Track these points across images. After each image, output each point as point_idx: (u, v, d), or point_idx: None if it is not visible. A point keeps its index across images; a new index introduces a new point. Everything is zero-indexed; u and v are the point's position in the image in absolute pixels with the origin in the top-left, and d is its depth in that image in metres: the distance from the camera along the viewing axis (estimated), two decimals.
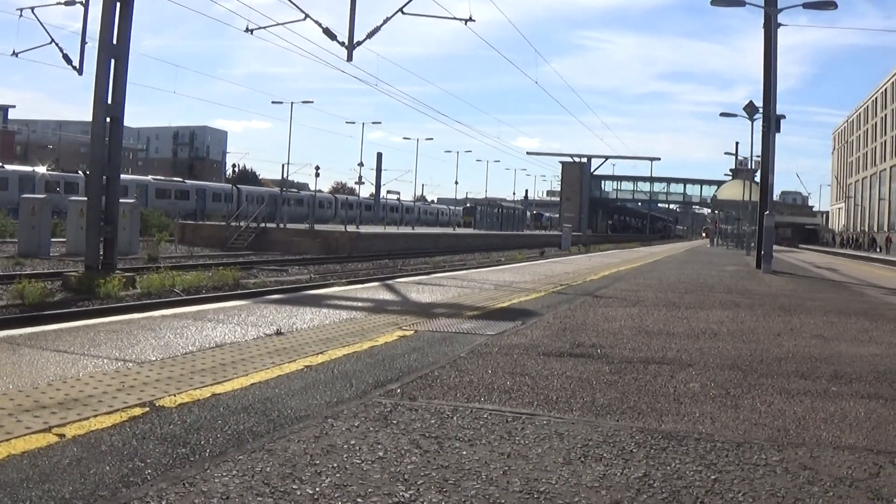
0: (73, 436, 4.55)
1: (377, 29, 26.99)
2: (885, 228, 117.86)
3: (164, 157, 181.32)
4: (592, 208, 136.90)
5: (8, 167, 69.10)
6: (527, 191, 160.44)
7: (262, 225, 52.57)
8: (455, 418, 5.28)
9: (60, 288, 21.12)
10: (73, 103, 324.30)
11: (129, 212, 31.80)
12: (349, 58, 26.85)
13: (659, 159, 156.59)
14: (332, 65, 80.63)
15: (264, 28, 28.85)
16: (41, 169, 69.57)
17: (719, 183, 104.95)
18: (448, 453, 4.51)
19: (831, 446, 4.95)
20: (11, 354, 6.80)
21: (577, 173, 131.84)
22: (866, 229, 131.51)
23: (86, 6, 25.03)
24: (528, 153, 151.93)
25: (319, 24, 26.82)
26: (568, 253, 57.91)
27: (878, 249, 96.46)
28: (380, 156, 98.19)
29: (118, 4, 21.49)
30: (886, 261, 59.39)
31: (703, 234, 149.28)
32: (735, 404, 6.06)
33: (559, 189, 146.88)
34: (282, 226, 54.86)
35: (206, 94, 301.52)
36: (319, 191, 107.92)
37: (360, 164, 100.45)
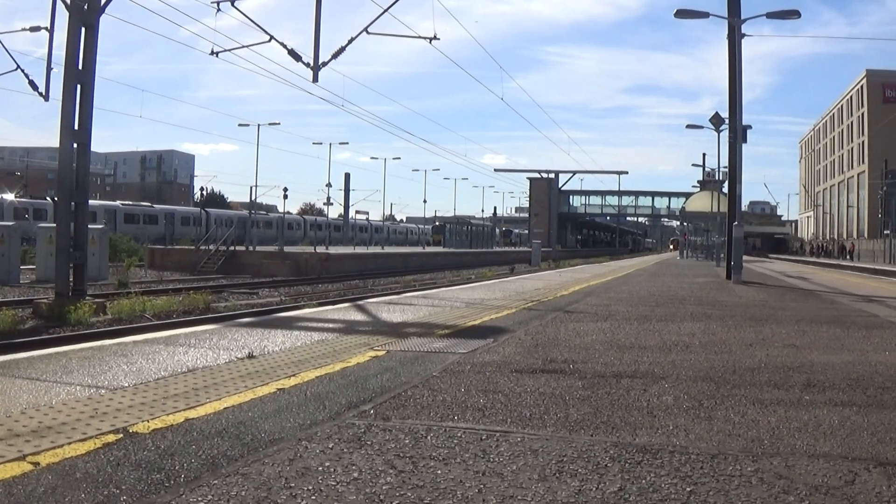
0: (47, 464, 4.52)
1: (342, 49, 26.95)
2: (855, 235, 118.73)
3: (132, 182, 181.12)
4: (561, 223, 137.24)
5: None
6: (495, 208, 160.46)
7: (232, 248, 52.48)
8: (429, 437, 5.28)
9: (31, 315, 21.05)
10: (40, 129, 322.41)
11: (98, 237, 31.61)
12: (315, 79, 26.78)
13: (626, 173, 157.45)
14: (298, 86, 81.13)
15: (229, 51, 28.70)
16: (9, 196, 69.30)
17: (687, 195, 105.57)
18: (423, 473, 4.50)
19: (806, 455, 4.97)
20: None
21: (545, 189, 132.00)
22: (835, 237, 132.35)
23: (51, 32, 24.84)
24: (495, 170, 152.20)
25: (284, 46, 26.78)
26: (538, 269, 58.01)
27: (847, 257, 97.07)
28: (348, 176, 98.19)
29: (83, 30, 21.43)
30: (856, 268, 59.88)
31: (671, 247, 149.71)
32: (709, 416, 6.08)
33: (528, 205, 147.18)
34: (251, 248, 54.78)
35: (173, 118, 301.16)
36: (288, 212, 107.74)
37: (329, 185, 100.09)
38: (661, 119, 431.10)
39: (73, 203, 21.67)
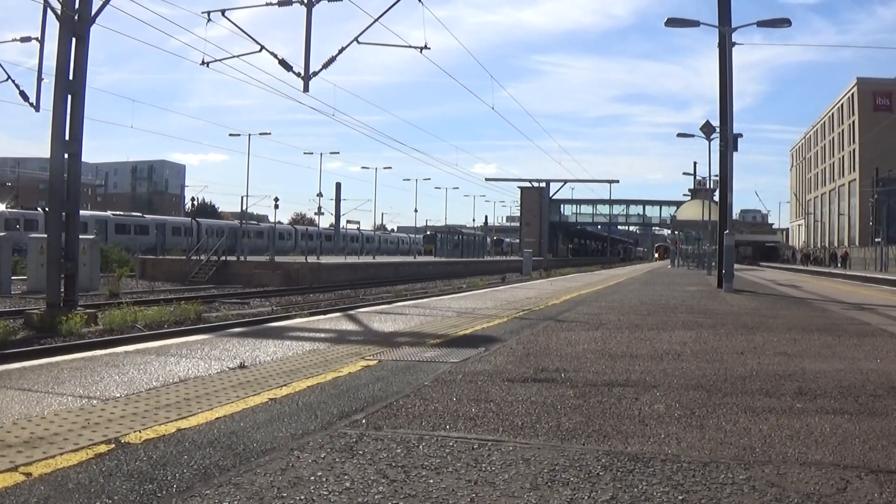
0: (39, 474, 4.51)
1: (333, 59, 26.91)
2: (846, 243, 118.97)
3: (123, 192, 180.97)
4: (552, 232, 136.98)
5: None
6: (486, 217, 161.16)
7: (223, 258, 52.40)
8: (421, 447, 5.27)
9: (23, 326, 21.03)
10: (31, 140, 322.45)
11: (89, 248, 31.59)
12: (305, 88, 26.71)
13: (617, 182, 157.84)
14: (289, 96, 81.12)
15: (220, 60, 28.69)
16: (0, 206, 69.08)
17: (678, 203, 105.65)
18: (415, 482, 4.49)
19: (798, 463, 4.97)
20: None
21: (537, 198, 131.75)
22: (826, 245, 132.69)
23: (42, 43, 24.81)
24: (486, 179, 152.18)
25: (275, 56, 26.78)
26: (529, 278, 57.98)
27: (838, 265, 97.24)
28: (338, 186, 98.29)
29: (74, 40, 21.42)
30: (847, 276, 59.97)
31: (657, 256, 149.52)
32: (700, 424, 6.08)
33: (519, 214, 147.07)
34: (242, 258, 54.68)
35: (163, 128, 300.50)
36: (279, 222, 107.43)
37: (320, 195, 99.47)
38: (652, 128, 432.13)
39: (63, 213, 21.64)
